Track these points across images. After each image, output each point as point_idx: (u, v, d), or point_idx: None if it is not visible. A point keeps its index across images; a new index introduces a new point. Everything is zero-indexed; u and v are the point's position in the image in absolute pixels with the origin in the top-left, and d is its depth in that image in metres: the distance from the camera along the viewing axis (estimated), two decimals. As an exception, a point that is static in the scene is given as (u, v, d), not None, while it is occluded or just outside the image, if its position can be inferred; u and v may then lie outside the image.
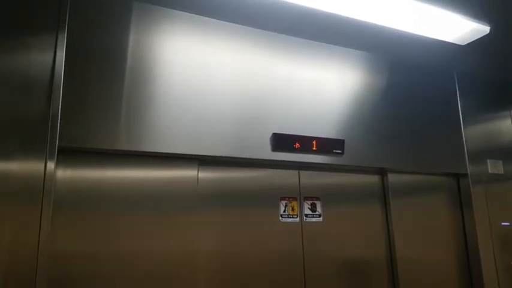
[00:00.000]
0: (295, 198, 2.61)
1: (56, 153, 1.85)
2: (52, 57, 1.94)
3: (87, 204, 2.01)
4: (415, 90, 3.14)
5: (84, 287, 1.93)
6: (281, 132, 2.49)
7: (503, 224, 3.22)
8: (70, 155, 2.00)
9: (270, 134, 2.47)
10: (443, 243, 3.06)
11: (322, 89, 2.74)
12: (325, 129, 2.66)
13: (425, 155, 3.03)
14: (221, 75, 2.42)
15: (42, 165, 1.80)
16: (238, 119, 2.40)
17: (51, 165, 1.81)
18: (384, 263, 2.81)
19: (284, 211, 2.56)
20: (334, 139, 2.65)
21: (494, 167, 3.32)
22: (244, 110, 2.44)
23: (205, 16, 2.46)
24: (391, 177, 2.92)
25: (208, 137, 2.29)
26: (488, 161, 3.31)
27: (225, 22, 2.52)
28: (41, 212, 1.76)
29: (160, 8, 2.34)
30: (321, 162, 2.60)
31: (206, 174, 2.37)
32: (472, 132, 3.30)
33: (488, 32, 2.60)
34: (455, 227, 3.15)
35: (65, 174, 1.99)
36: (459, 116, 3.27)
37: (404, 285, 2.76)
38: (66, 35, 1.99)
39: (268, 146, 2.46)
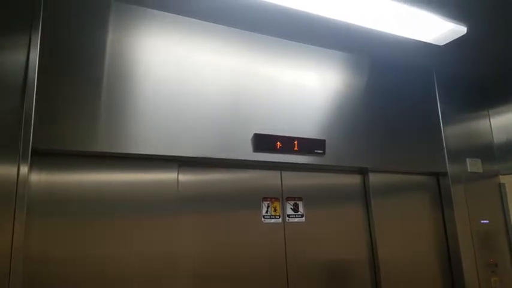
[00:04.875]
0: (277, 199, 2.60)
1: (30, 155, 1.79)
2: (25, 56, 1.89)
3: (64, 208, 1.95)
4: (395, 90, 3.17)
5: (61, 293, 1.88)
6: (262, 133, 2.48)
7: (482, 221, 3.27)
8: (45, 157, 1.94)
9: (252, 135, 2.45)
10: (424, 241, 3.09)
11: (303, 90, 2.74)
12: (307, 130, 2.66)
13: (406, 154, 3.06)
14: (201, 76, 2.39)
15: (15, 169, 1.75)
16: (219, 120, 2.38)
17: (24, 168, 1.76)
18: (366, 262, 2.82)
19: (266, 212, 2.54)
20: (315, 139, 2.65)
21: (473, 165, 3.38)
22: (225, 110, 2.42)
23: (186, 16, 2.43)
24: (372, 177, 2.94)
25: (189, 138, 2.25)
26: (467, 159, 3.37)
27: (205, 22, 2.49)
28: (14, 217, 1.70)
29: (138, 8, 2.30)
30: (302, 162, 2.60)
31: (186, 176, 2.33)
32: (452, 132, 3.35)
33: (465, 32, 2.64)
34: (436, 226, 3.19)
35: (40, 177, 1.93)
36: (438, 115, 3.32)
37: (385, 284, 2.78)
38: (40, 34, 1.94)
39: (250, 147, 2.44)
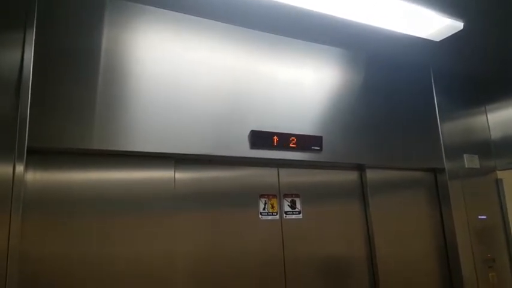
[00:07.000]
0: (274, 196, 2.60)
1: (25, 154, 1.78)
2: (20, 54, 1.87)
3: (60, 207, 1.95)
4: (391, 86, 3.17)
5: (58, 292, 1.87)
6: (259, 130, 2.48)
7: (480, 217, 3.28)
8: (40, 156, 1.94)
9: (248, 132, 2.45)
10: (422, 237, 3.10)
11: (300, 86, 2.73)
12: (304, 126, 2.66)
13: (403, 150, 3.06)
14: (198, 73, 2.39)
15: (10, 168, 1.74)
16: (215, 117, 2.38)
17: (20, 167, 1.75)
18: (364, 258, 2.82)
19: (264, 209, 2.54)
20: (312, 136, 2.65)
21: (470, 161, 3.38)
22: (221, 107, 2.41)
23: (181, 12, 2.42)
24: (369, 173, 2.94)
25: (185, 135, 2.25)
26: (464, 155, 3.37)
27: (201, 19, 2.49)
28: (10, 216, 1.70)
29: (134, 5, 2.29)
30: (299, 159, 2.59)
31: (183, 173, 2.33)
32: (449, 128, 3.35)
33: (462, 28, 2.64)
34: (434, 221, 3.20)
35: (35, 176, 1.92)
36: (435, 111, 3.32)
37: (384, 280, 2.79)
38: (34, 32, 1.93)
39: (247, 144, 2.44)
